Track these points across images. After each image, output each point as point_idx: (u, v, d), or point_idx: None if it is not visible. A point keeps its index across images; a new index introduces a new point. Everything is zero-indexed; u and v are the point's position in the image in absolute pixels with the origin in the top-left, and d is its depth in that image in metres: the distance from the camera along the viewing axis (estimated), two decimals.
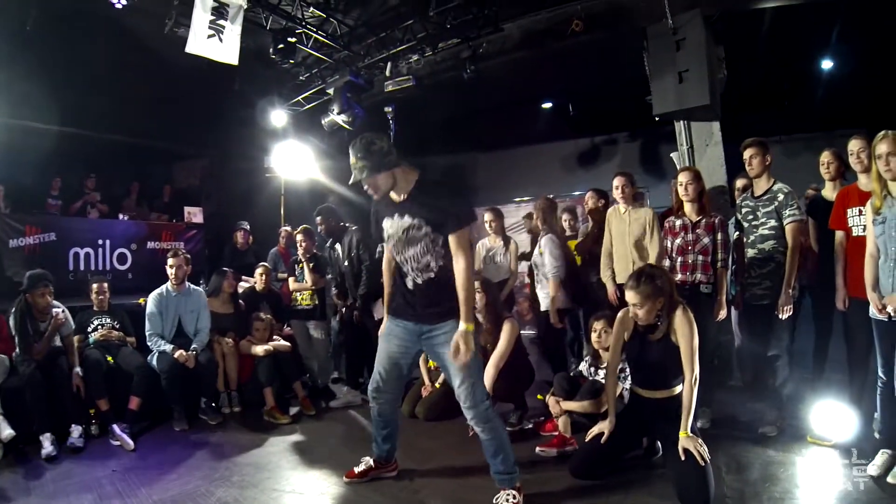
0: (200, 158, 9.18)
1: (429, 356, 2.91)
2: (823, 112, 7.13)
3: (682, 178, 3.46)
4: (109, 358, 3.95)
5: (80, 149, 7.60)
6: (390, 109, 6.02)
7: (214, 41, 4.57)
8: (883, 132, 2.63)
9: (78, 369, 3.71)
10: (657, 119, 4.86)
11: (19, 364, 3.55)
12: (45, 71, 5.86)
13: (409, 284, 2.57)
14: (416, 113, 7.04)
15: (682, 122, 4.86)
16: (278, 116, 7.05)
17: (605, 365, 3.26)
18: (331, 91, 6.20)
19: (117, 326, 4.20)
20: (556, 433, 3.25)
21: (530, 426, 3.62)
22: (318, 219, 4.63)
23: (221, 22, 4.58)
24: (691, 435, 2.51)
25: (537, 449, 3.16)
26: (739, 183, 4.10)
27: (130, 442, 3.51)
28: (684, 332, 2.58)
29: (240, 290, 5.04)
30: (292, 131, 7.24)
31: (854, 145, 3.02)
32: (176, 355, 3.89)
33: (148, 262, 6.73)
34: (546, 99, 8.68)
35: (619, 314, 2.87)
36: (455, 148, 9.18)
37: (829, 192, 3.38)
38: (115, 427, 3.60)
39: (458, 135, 8.92)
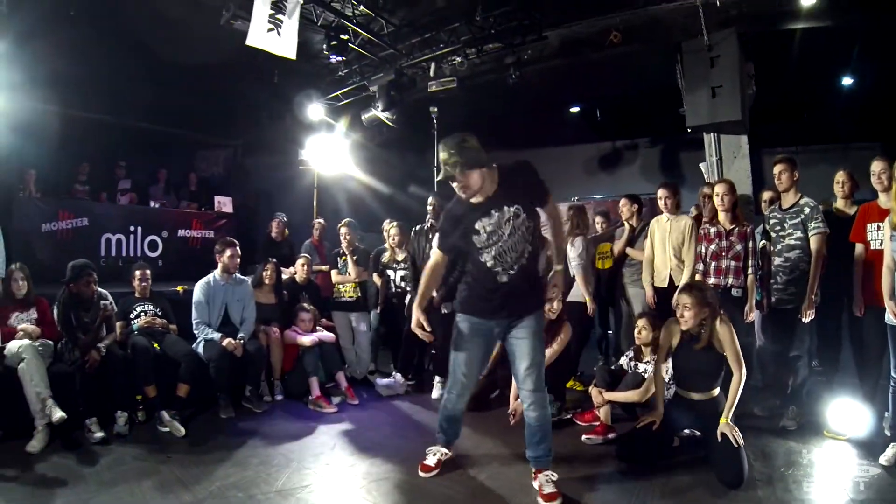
0: (224, 148, 9.25)
1: (505, 346, 2.89)
2: (839, 126, 7.39)
3: (719, 189, 3.75)
4: (155, 345, 3.92)
5: (106, 135, 7.58)
6: (435, 109, 6.24)
7: (273, 35, 4.68)
8: None
9: (102, 346, 3.60)
10: (689, 130, 5.14)
11: (67, 351, 3.53)
12: (85, 58, 5.92)
13: (502, 279, 2.61)
14: (447, 111, 7.26)
15: (712, 134, 5.13)
16: (315, 110, 7.26)
17: (646, 359, 3.60)
18: (373, 88, 6.44)
19: (160, 314, 4.16)
20: (598, 422, 3.52)
21: (569, 416, 3.82)
22: (434, 200, 4.63)
23: (280, 16, 4.69)
24: (730, 423, 2.83)
25: (584, 437, 3.42)
26: (766, 195, 4.40)
27: (181, 428, 3.49)
28: (728, 339, 2.91)
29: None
30: (332, 125, 7.46)
31: (876, 167, 3.29)
32: (224, 343, 3.90)
33: (179, 249, 6.83)
34: (575, 103, 8.88)
35: (667, 323, 3.17)
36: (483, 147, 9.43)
37: (842, 207, 3.68)
38: (165, 413, 3.57)
39: (486, 134, 9.13)
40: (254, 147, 8.37)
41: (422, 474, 2.93)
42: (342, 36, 5.27)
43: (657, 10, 5.00)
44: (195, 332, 4.10)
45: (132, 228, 6.49)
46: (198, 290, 4.16)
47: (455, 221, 2.67)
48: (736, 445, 2.76)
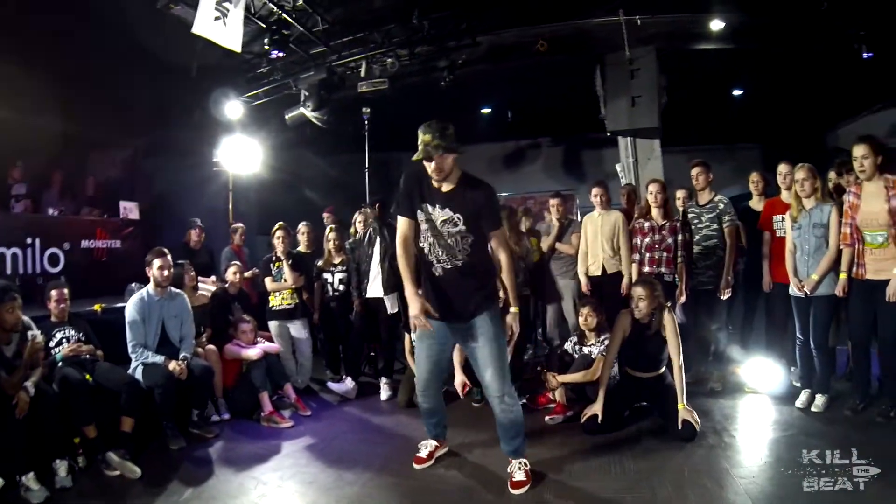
0: (122, 148, 8.32)
1: (466, 353, 3.01)
2: (726, 129, 8.62)
3: (653, 187, 4.24)
4: (87, 376, 3.43)
5: None
6: (368, 110, 6.23)
7: (220, 24, 4.39)
8: (800, 164, 3.61)
9: (29, 385, 3.01)
10: (609, 134, 5.74)
11: None
12: None
13: (437, 272, 2.73)
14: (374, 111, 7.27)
15: (628, 138, 5.78)
16: (233, 108, 6.86)
17: (590, 342, 3.98)
18: (302, 87, 6.27)
19: (83, 339, 3.67)
20: (555, 403, 3.87)
21: (524, 401, 3.97)
22: (376, 205, 4.68)
23: (227, 4, 4.40)
24: (687, 407, 3.31)
25: (546, 418, 3.72)
26: (680, 193, 4.96)
27: (136, 469, 3.07)
28: (672, 329, 3.40)
29: (204, 292, 4.84)
30: (248, 124, 7.09)
31: (782, 169, 3.97)
32: (170, 367, 3.55)
33: (83, 262, 6.06)
34: (488, 104, 9.26)
35: (619, 316, 3.59)
36: (384, 146, 9.42)
37: (756, 203, 4.37)
38: (113, 454, 3.11)
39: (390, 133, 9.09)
40: (158, 147, 7.63)
41: (416, 466, 3.05)
42: (283, 31, 5.07)
43: (584, 23, 5.50)
44: (131, 355, 3.68)
45: (29, 241, 5.60)
46: (131, 308, 3.73)
47: (413, 183, 2.74)
48: (698, 429, 3.24)
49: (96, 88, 6.49)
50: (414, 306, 2.67)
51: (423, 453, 3.11)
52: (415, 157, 2.61)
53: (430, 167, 2.62)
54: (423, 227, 2.74)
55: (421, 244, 2.77)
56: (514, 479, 2.79)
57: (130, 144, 8.19)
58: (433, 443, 3.16)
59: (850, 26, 5.16)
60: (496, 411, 2.82)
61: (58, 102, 6.48)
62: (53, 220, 6.29)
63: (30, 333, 3.19)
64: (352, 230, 5.14)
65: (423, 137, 2.59)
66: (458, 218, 2.64)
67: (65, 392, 3.22)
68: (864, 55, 5.14)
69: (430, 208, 2.70)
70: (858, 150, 3.25)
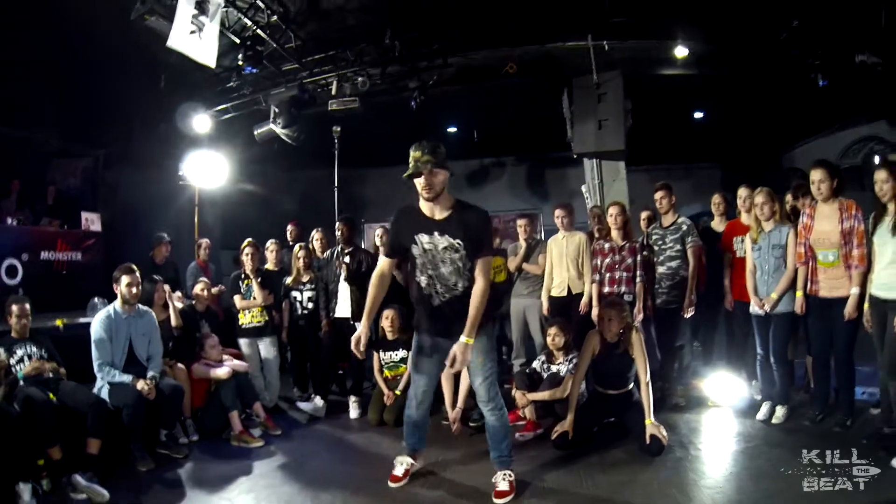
0: (82, 157, 8.07)
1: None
2: (685, 148, 8.96)
3: (613, 210, 4.31)
4: (51, 395, 3.30)
5: None
6: (338, 129, 6.22)
7: (195, 38, 4.35)
8: (760, 188, 3.79)
9: None
10: (576, 156, 5.92)
11: None
12: None
13: (435, 302, 2.76)
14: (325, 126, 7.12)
15: (594, 160, 5.96)
16: (201, 121, 6.76)
17: (559, 361, 4.03)
18: (273, 103, 6.23)
19: (45, 356, 3.54)
20: (525, 420, 3.92)
21: None
22: (342, 225, 4.67)
23: (203, 18, 4.36)
24: (654, 422, 3.39)
25: (517, 434, 3.70)
26: (644, 214, 5.14)
27: (104, 492, 2.97)
28: (638, 346, 3.51)
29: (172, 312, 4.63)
30: (215, 138, 6.98)
31: (742, 193, 4.17)
32: (139, 387, 3.46)
33: (42, 274, 5.84)
34: (455, 124, 9.36)
35: (588, 336, 3.69)
36: (351, 162, 9.35)
37: (717, 224, 4.56)
38: (79, 477, 3.00)
39: (357, 149, 8.88)
40: (121, 158, 7.40)
41: (391, 484, 3.02)
42: (258, 47, 5.04)
43: (552, 47, 5.68)
44: (97, 374, 3.57)
45: None
46: (97, 325, 3.62)
47: (404, 220, 2.79)
48: (665, 444, 3.33)
49: (59, 94, 6.31)
50: (358, 332, 2.82)
51: (399, 471, 3.08)
52: (405, 175, 2.64)
53: (420, 184, 2.64)
54: (420, 261, 2.75)
55: (417, 279, 2.78)
56: (497, 489, 2.84)
57: (93, 153, 7.94)
58: (409, 460, 3.13)
59: (808, 56, 5.50)
60: (487, 416, 2.90)
61: (17, 107, 6.28)
62: (11, 230, 6.05)
63: None
64: (311, 247, 5.13)
65: (413, 154, 2.63)
66: (459, 243, 2.66)
67: (28, 412, 3.09)
68: (821, 83, 5.48)
69: (426, 238, 2.70)
70: (816, 175, 3.43)
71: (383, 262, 2.91)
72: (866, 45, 5.14)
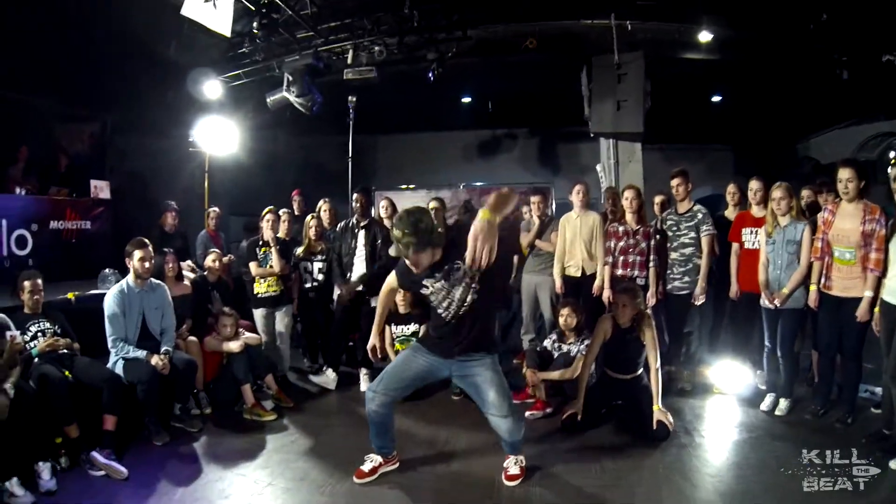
0: (90, 122, 7.90)
1: (459, 384, 3.16)
2: (700, 130, 8.83)
3: (628, 193, 4.35)
4: (66, 372, 3.28)
5: None
6: (353, 99, 6.12)
7: (209, 7, 4.28)
8: (778, 183, 3.78)
9: (8, 387, 2.88)
10: (592, 136, 5.84)
11: None
12: None
13: (447, 318, 2.74)
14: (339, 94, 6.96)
15: (610, 140, 5.89)
16: (212, 87, 6.65)
17: (570, 341, 4.11)
18: (287, 70, 6.12)
19: (59, 332, 3.50)
20: (535, 399, 4.00)
21: None
22: (360, 195, 4.67)
23: None
24: (662, 408, 3.47)
25: (527, 413, 3.78)
26: (658, 199, 5.12)
27: (123, 469, 2.99)
28: (651, 334, 3.56)
29: (187, 281, 4.69)
30: (226, 105, 6.88)
31: (753, 185, 4.16)
32: (154, 362, 3.48)
33: (51, 244, 5.84)
34: (470, 94, 9.18)
35: (601, 320, 3.74)
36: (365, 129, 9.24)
37: (731, 213, 4.54)
38: (97, 454, 3.02)
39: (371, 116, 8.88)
40: (129, 123, 7.31)
41: (356, 480, 2.93)
42: (273, 14, 4.91)
43: (573, 24, 5.57)
44: (111, 349, 3.56)
45: None
46: (111, 301, 3.60)
47: (407, 274, 2.78)
48: (671, 430, 3.42)
49: (67, 58, 6.14)
50: (371, 342, 3.07)
51: (367, 467, 3.00)
52: (392, 253, 2.62)
53: (407, 262, 2.65)
54: (433, 296, 2.73)
55: (433, 306, 2.77)
56: (508, 473, 2.95)
57: (99, 118, 7.83)
58: (378, 458, 3.03)
59: (833, 51, 5.40)
60: (502, 430, 2.84)
61: (23, 72, 6.17)
62: (21, 200, 5.99)
63: (8, 334, 3.07)
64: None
65: (394, 234, 2.54)
66: (459, 263, 2.62)
67: (45, 391, 3.08)
68: (844, 77, 5.39)
69: (432, 283, 2.70)
70: (844, 173, 3.41)
71: (392, 281, 2.94)
72: (895, 45, 5.03)
